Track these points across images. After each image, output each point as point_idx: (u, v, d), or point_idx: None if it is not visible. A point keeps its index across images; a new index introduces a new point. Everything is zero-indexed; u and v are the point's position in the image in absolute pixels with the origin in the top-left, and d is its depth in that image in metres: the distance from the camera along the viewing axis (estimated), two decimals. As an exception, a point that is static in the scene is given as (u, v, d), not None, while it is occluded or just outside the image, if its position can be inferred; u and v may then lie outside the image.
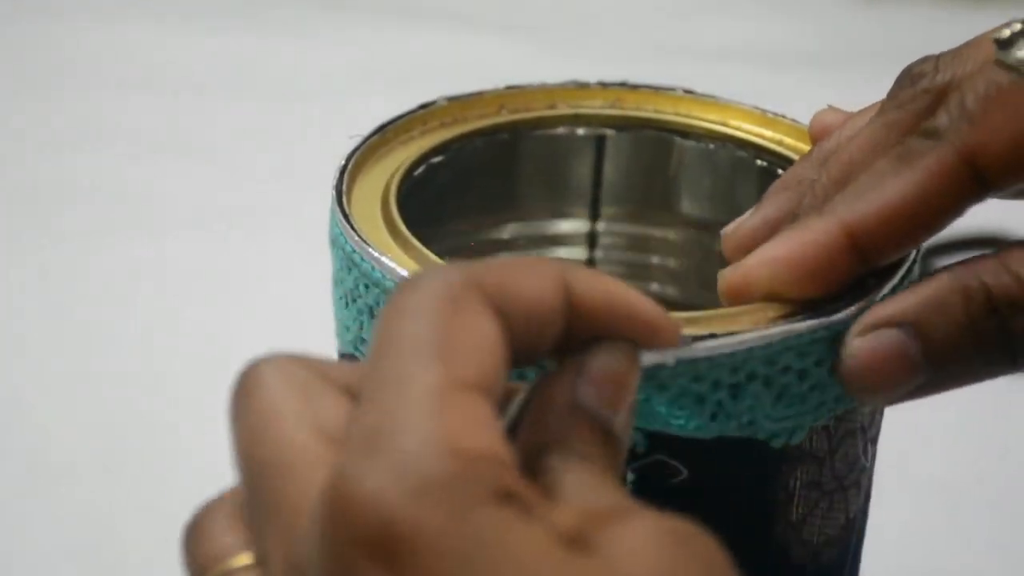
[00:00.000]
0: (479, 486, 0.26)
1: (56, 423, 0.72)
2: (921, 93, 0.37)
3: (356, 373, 0.30)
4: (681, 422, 0.36)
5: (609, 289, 0.31)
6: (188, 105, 1.02)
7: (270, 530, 0.28)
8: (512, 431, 0.30)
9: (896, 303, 0.36)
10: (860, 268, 0.37)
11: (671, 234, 0.49)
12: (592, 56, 0.93)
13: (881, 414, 0.41)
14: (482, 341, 0.28)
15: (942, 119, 0.36)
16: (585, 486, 0.29)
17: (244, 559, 0.30)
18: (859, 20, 1.13)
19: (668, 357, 0.34)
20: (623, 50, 1.07)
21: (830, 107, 0.42)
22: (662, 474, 0.36)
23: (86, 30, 1.11)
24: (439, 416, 0.27)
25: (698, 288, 0.49)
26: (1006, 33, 0.36)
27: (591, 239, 0.50)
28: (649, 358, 0.33)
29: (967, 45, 0.38)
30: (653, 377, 0.35)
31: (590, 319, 0.31)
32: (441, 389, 0.27)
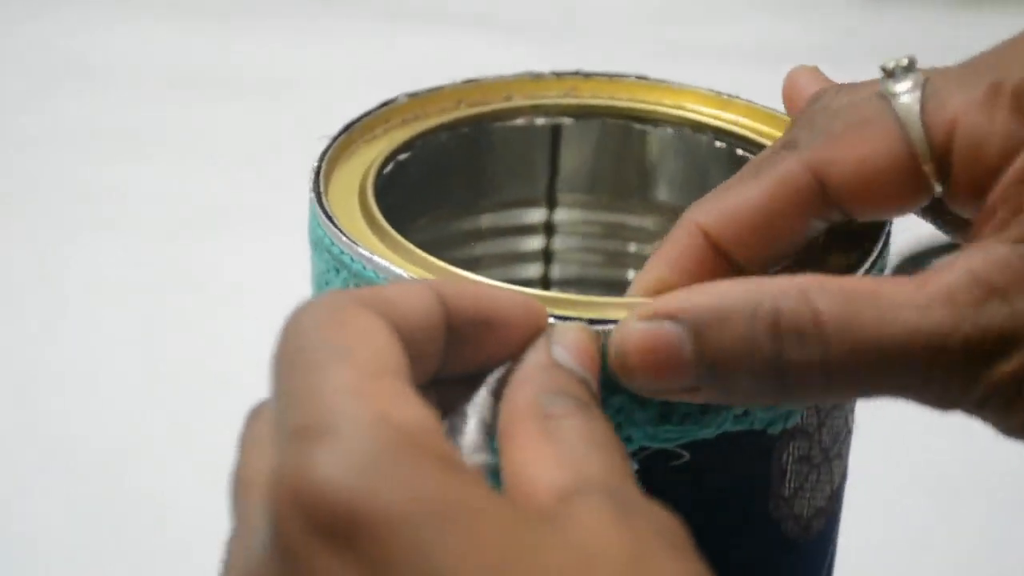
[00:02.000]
0: (423, 453, 0.27)
1: (43, 422, 0.71)
2: (818, 110, 0.37)
3: None
4: (672, 426, 0.36)
5: (477, 289, 0.33)
6: (170, 104, 1.01)
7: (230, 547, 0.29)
8: (495, 396, 0.32)
9: (684, 296, 0.34)
10: (730, 268, 0.37)
11: (634, 220, 0.50)
12: (592, 57, 0.94)
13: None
14: (373, 334, 0.29)
15: (803, 133, 0.37)
16: (588, 435, 0.30)
17: None
18: (862, 20, 1.15)
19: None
20: (623, 51, 1.07)
21: (807, 68, 0.42)
22: (664, 457, 0.37)
23: (75, 30, 1.09)
24: (364, 401, 0.27)
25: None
26: (891, 64, 0.36)
27: (548, 228, 0.50)
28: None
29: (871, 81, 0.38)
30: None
31: (468, 316, 0.32)
32: (356, 381, 0.28)
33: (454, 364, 0.32)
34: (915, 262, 0.67)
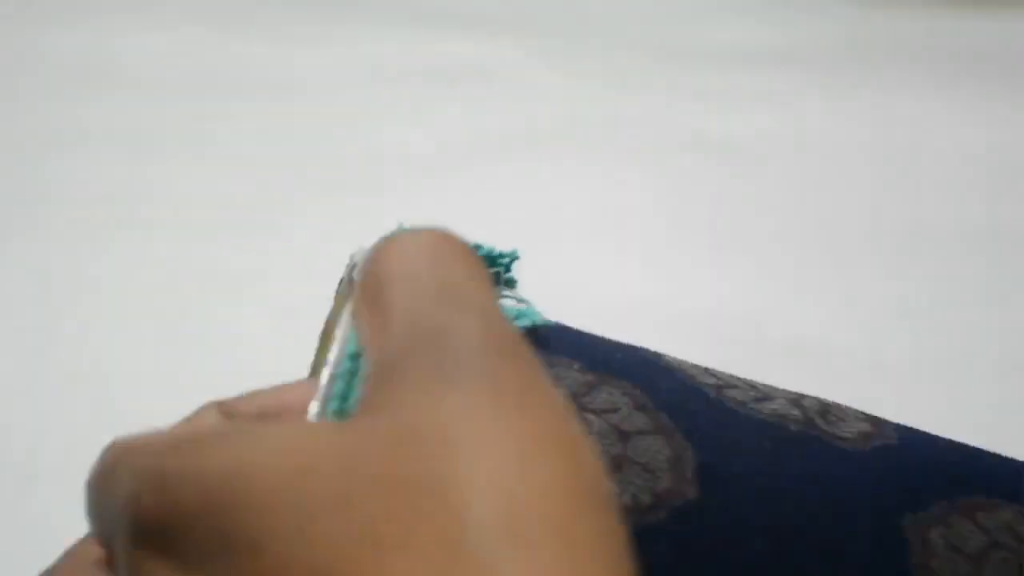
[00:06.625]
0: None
1: (46, 422, 0.71)
2: None
3: None
4: None
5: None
6: (180, 106, 1.02)
7: None
8: None
9: None
10: None
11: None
12: (595, 58, 0.93)
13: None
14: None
15: None
16: None
17: None
18: (860, 22, 1.14)
19: None
20: (625, 53, 1.07)
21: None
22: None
23: (77, 32, 1.11)
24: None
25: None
26: None
27: None
28: None
29: None
30: None
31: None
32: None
33: None
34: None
